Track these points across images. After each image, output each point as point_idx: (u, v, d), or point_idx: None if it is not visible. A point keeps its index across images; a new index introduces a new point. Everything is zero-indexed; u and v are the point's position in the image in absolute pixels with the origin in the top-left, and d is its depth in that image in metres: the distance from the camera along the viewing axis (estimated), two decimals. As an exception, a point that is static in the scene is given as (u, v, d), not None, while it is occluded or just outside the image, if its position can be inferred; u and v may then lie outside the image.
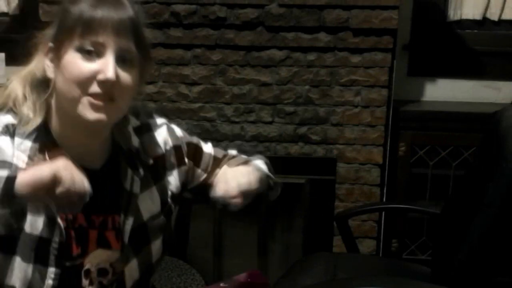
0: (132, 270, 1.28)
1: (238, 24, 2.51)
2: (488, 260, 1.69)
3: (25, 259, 1.17)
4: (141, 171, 1.28)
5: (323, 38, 2.52)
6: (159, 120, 1.38)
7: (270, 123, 2.63)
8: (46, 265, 1.18)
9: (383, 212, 2.69)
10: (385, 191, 2.70)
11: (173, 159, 1.36)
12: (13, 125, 1.18)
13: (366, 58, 2.54)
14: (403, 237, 2.77)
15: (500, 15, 2.84)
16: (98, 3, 1.14)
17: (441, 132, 2.74)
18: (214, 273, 2.79)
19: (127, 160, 1.28)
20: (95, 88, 1.13)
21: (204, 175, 1.41)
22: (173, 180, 1.36)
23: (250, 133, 2.64)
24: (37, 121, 1.19)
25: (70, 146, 1.20)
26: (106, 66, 1.13)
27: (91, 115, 1.14)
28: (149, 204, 1.30)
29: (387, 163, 2.68)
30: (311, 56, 2.55)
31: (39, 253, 1.17)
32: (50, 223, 1.17)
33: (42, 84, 1.20)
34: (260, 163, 1.43)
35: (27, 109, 1.19)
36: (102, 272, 1.24)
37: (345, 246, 2.34)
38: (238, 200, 1.21)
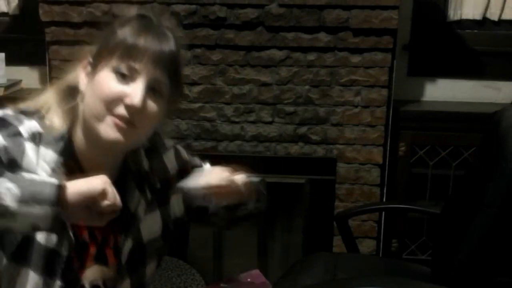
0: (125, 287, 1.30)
1: (238, 24, 2.51)
2: (488, 260, 1.69)
3: (37, 271, 1.18)
4: (148, 194, 1.30)
5: (323, 38, 2.52)
6: (168, 143, 1.40)
7: (270, 123, 2.63)
8: (53, 278, 1.19)
9: (383, 212, 2.69)
10: (385, 191, 2.70)
11: (177, 184, 1.36)
12: (39, 133, 1.19)
13: (366, 58, 2.54)
14: (403, 237, 2.77)
15: (500, 15, 2.84)
16: (143, 31, 1.17)
17: (441, 132, 2.74)
18: (214, 273, 2.79)
19: (136, 181, 1.29)
20: (121, 110, 1.15)
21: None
22: (177, 204, 1.37)
23: (250, 133, 2.64)
24: (62, 128, 1.20)
25: (86, 160, 1.22)
26: (136, 91, 1.15)
27: (111, 134, 1.16)
28: (151, 227, 1.32)
29: (387, 163, 2.68)
30: (311, 56, 2.55)
31: (49, 266, 1.18)
32: (61, 235, 1.18)
33: (73, 95, 1.22)
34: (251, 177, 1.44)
35: (54, 116, 1.21)
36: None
37: (345, 246, 2.34)
38: (206, 194, 1.23)
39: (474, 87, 2.90)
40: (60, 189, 1.03)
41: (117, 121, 1.15)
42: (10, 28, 2.84)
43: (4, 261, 1.18)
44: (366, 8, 2.47)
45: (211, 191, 1.23)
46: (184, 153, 1.43)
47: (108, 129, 1.16)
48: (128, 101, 1.15)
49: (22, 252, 1.17)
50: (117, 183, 1.23)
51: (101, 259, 1.26)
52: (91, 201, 1.05)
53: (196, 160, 1.46)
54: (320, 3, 2.47)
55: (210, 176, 1.26)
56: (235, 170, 1.28)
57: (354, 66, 2.55)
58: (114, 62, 1.16)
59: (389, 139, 2.65)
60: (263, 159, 2.65)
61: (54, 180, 1.05)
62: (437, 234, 2.16)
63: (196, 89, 2.60)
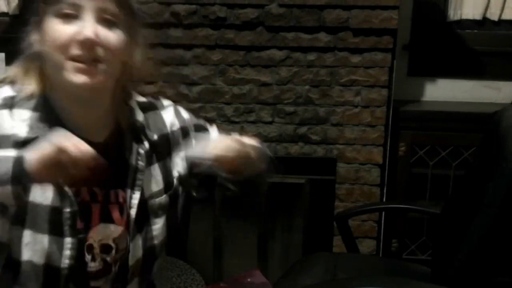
0: (136, 248, 1.26)
1: (238, 24, 2.51)
2: (488, 260, 1.69)
3: (40, 230, 1.16)
4: (146, 144, 1.27)
5: (323, 38, 2.52)
6: (166, 102, 1.38)
7: (270, 123, 2.63)
8: (62, 235, 1.17)
9: (383, 212, 2.69)
10: (385, 191, 2.70)
11: (181, 141, 1.35)
12: (11, 97, 1.18)
13: (366, 58, 2.54)
14: (403, 237, 2.77)
15: (500, 15, 2.84)
16: None
17: (441, 132, 2.74)
18: (214, 273, 2.79)
19: (132, 133, 1.26)
20: (75, 50, 1.12)
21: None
22: (181, 161, 1.34)
23: (250, 133, 2.64)
24: (34, 89, 1.18)
25: (70, 119, 1.19)
26: (84, 25, 1.12)
27: (75, 78, 1.12)
28: (150, 181, 1.29)
29: (387, 163, 2.68)
30: (311, 56, 2.55)
31: (54, 224, 1.16)
32: (59, 193, 1.16)
33: (36, 58, 1.20)
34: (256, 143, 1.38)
35: (25, 80, 1.20)
36: (105, 248, 1.23)
37: (345, 246, 2.34)
38: (212, 163, 1.18)
39: (474, 87, 2.89)
40: (17, 162, 1.02)
41: (77, 64, 1.12)
42: (10, 28, 2.84)
43: (8, 225, 1.16)
44: (366, 8, 2.47)
45: (218, 161, 1.18)
46: (185, 112, 1.41)
47: (71, 75, 1.13)
48: (79, 37, 1.11)
49: (19, 215, 1.15)
50: (112, 137, 1.24)
51: (106, 217, 1.23)
52: (52, 165, 1.01)
53: (201, 121, 1.43)
54: (320, 3, 2.47)
55: (217, 145, 1.20)
56: (243, 138, 1.23)
57: (354, 66, 2.55)
58: (53, 6, 1.13)
59: (389, 139, 2.65)
60: (263, 159, 2.65)
61: (10, 153, 1.03)
62: (437, 234, 2.16)
63: (196, 89, 2.60)
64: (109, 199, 1.23)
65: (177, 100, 2.62)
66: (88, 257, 1.21)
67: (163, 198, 1.31)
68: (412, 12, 2.84)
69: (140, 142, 1.27)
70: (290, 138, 2.64)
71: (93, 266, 1.22)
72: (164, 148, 1.32)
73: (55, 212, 1.16)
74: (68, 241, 1.17)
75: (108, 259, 1.23)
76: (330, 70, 2.56)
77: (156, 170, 1.30)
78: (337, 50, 2.54)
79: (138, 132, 1.27)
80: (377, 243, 2.73)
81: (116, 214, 1.24)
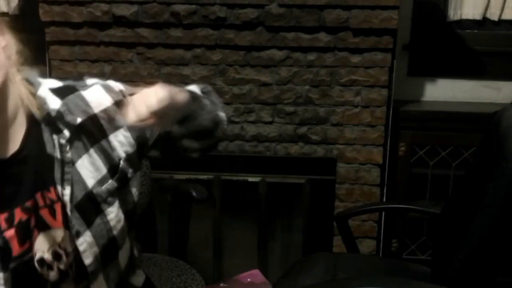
0: (87, 245, 1.20)
1: (238, 24, 2.51)
2: (488, 260, 1.69)
3: None
4: (66, 132, 1.18)
5: (323, 38, 2.52)
6: (91, 81, 1.28)
7: (270, 123, 2.63)
8: None
9: (383, 212, 2.69)
10: (385, 191, 2.70)
11: (118, 117, 1.23)
12: None
13: (366, 58, 2.54)
14: (403, 237, 2.77)
15: (500, 15, 2.84)
16: None
17: (441, 132, 2.74)
18: (214, 273, 2.79)
19: (49, 125, 1.19)
20: None
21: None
22: (124, 139, 1.25)
23: (250, 133, 2.64)
24: None
25: None
26: None
27: None
28: (90, 169, 1.21)
29: (387, 163, 2.68)
30: (311, 56, 2.55)
31: None
32: None
33: None
34: (190, 88, 1.35)
35: None
36: (56, 255, 1.19)
37: (345, 246, 2.34)
38: (152, 121, 1.11)
39: (474, 87, 2.90)
40: None
41: None
42: (10, 28, 2.84)
43: None
44: (366, 8, 2.47)
45: (147, 121, 1.11)
46: (117, 84, 1.29)
47: None
48: None
49: None
50: (26, 142, 1.16)
51: (42, 225, 1.17)
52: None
53: (137, 89, 1.28)
54: (320, 3, 2.47)
55: (137, 106, 1.11)
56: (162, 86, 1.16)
57: (354, 66, 2.55)
58: None
59: (389, 139, 2.65)
60: (263, 159, 2.65)
61: None
62: (437, 234, 2.16)
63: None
64: (38, 204, 1.18)
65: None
66: (44, 270, 1.19)
67: (110, 184, 1.23)
68: (412, 12, 2.84)
69: (59, 132, 1.18)
70: (290, 138, 2.64)
71: (52, 275, 1.20)
72: (95, 130, 1.22)
73: None
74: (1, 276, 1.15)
75: (62, 266, 1.20)
76: (330, 70, 2.56)
77: (93, 155, 1.22)
78: (337, 50, 2.54)
79: (55, 122, 1.18)
80: (377, 243, 2.73)
81: (49, 218, 1.18)
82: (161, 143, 1.31)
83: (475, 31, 2.87)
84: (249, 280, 1.44)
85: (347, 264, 2.13)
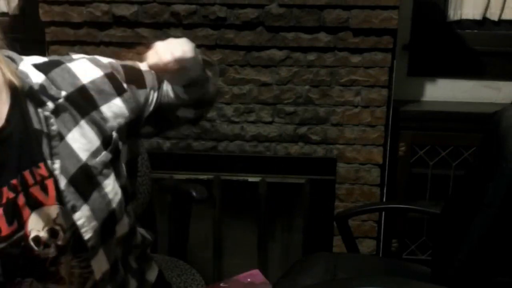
0: (85, 219, 1.18)
1: (238, 24, 2.51)
2: (488, 260, 1.69)
3: None
4: (50, 104, 1.16)
5: (323, 38, 2.52)
6: (77, 56, 1.26)
7: (270, 123, 2.63)
8: None
9: (383, 212, 2.69)
10: (385, 191, 2.70)
11: (108, 88, 1.22)
12: None
13: (366, 58, 2.54)
14: (403, 237, 2.77)
15: (500, 15, 2.84)
16: None
17: (441, 132, 2.74)
18: (214, 273, 2.79)
19: (30, 98, 1.16)
20: None
21: (155, 94, 1.32)
22: (118, 109, 1.22)
23: (250, 133, 2.64)
24: None
25: None
26: None
27: None
28: (83, 141, 1.18)
29: (387, 163, 2.68)
30: (311, 56, 2.55)
31: None
32: None
33: None
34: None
35: None
36: (52, 233, 1.17)
37: (345, 246, 2.34)
38: (171, 67, 1.16)
39: (474, 87, 2.90)
40: None
41: None
42: (10, 28, 2.85)
43: None
44: (366, 8, 2.47)
45: (168, 66, 1.20)
46: (104, 58, 1.28)
47: None
48: None
49: None
50: (10, 119, 1.14)
51: (34, 204, 1.15)
52: None
53: (126, 62, 1.33)
54: (320, 3, 2.47)
55: (160, 50, 1.23)
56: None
57: (354, 66, 2.55)
58: None
59: (389, 139, 2.65)
60: (263, 159, 2.65)
61: None
62: (437, 234, 2.16)
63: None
64: (27, 182, 1.15)
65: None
66: (40, 249, 1.16)
67: (103, 156, 1.20)
68: (412, 12, 2.84)
69: (43, 105, 1.16)
70: (290, 138, 2.64)
71: (51, 252, 1.17)
72: (84, 102, 1.19)
73: None
74: None
75: (60, 242, 1.17)
76: (330, 70, 2.56)
77: (84, 127, 1.19)
78: (337, 50, 2.54)
79: (38, 96, 1.16)
80: (377, 243, 2.73)
81: (41, 196, 1.16)
82: (156, 114, 1.31)
83: (475, 31, 2.87)
84: (249, 280, 1.44)
85: (347, 264, 2.13)
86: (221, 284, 1.43)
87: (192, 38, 2.62)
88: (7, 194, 1.14)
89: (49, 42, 2.57)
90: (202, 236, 2.80)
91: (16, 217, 1.15)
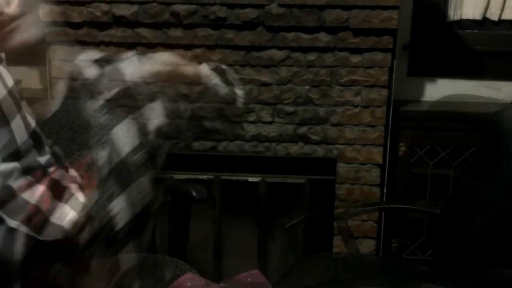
0: (120, 209, 1.22)
1: (238, 24, 2.51)
2: (487, 260, 1.69)
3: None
4: (102, 99, 1.26)
5: (323, 38, 2.52)
6: (127, 55, 1.38)
7: (270, 123, 2.63)
8: None
9: (383, 212, 2.69)
10: (385, 191, 2.70)
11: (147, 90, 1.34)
12: None
13: (366, 58, 2.54)
14: (403, 237, 2.77)
15: (500, 15, 2.84)
16: None
17: (441, 132, 2.74)
18: (214, 273, 2.79)
19: (85, 93, 1.26)
20: None
21: None
22: (158, 111, 1.34)
23: (250, 133, 2.64)
24: None
25: None
26: None
27: None
28: (126, 137, 1.26)
29: (387, 163, 2.68)
30: (311, 56, 2.55)
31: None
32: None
33: None
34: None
35: None
36: (87, 219, 1.20)
37: (345, 246, 2.34)
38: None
39: (474, 87, 2.89)
40: None
41: None
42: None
43: None
44: (366, 8, 2.47)
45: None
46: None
47: None
48: None
49: None
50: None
51: (75, 188, 1.21)
52: None
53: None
54: (320, 3, 2.47)
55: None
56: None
57: (354, 66, 2.55)
58: None
59: (389, 139, 2.65)
60: (263, 159, 2.65)
61: None
62: (437, 234, 2.16)
63: (196, 89, 2.60)
64: (73, 166, 1.23)
65: (177, 100, 2.64)
66: (73, 232, 1.18)
67: (142, 155, 1.27)
68: (412, 12, 2.83)
69: (95, 98, 1.26)
70: (290, 138, 2.64)
71: (83, 238, 1.19)
72: (129, 101, 1.32)
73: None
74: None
75: (92, 229, 1.19)
76: (330, 70, 2.56)
77: (128, 125, 1.27)
78: (337, 50, 2.54)
79: (91, 89, 1.27)
80: (377, 243, 2.73)
81: (83, 181, 1.23)
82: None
83: (475, 31, 2.87)
84: (249, 280, 1.45)
85: (347, 264, 2.14)
86: (221, 284, 1.43)
87: (192, 38, 2.63)
88: (55, 173, 1.19)
89: (49, 42, 2.56)
90: (202, 236, 2.80)
91: (57, 197, 1.18)
